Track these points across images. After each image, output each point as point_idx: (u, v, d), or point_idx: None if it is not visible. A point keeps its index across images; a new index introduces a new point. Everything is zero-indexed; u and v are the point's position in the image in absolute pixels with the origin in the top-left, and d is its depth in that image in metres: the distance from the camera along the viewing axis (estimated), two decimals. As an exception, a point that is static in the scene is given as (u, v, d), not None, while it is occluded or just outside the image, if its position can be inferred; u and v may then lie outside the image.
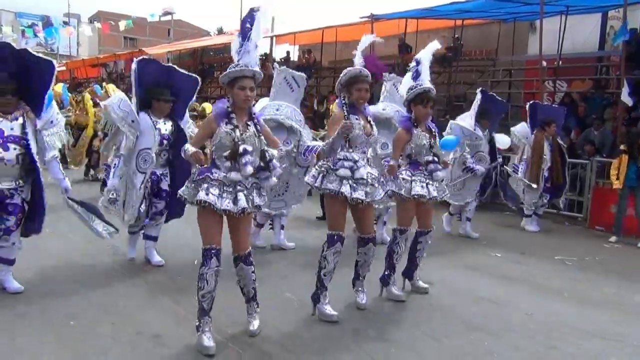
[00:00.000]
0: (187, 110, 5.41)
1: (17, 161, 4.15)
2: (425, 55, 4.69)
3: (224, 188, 3.45)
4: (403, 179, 4.50)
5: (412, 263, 4.82)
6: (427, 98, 4.52)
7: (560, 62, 13.58)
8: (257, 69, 3.56)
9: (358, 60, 4.21)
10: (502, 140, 7.37)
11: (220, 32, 41.71)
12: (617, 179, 7.50)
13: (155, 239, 5.35)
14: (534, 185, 7.74)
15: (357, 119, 4.05)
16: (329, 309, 4.09)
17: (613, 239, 7.42)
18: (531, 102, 8.52)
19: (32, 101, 4.27)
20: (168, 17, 35.74)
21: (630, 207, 7.64)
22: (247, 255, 3.66)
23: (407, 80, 4.74)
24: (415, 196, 4.43)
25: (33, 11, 44.14)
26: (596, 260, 6.43)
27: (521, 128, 8.15)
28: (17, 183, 4.22)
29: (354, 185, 3.96)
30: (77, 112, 10.34)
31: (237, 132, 3.48)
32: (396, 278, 4.71)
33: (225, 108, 3.56)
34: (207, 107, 10.94)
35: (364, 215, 4.20)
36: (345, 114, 4.05)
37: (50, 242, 5.59)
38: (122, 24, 27.94)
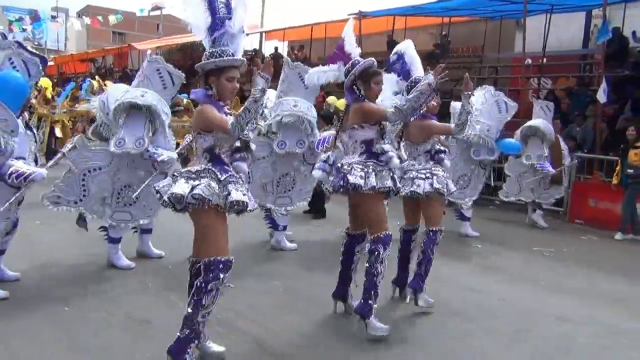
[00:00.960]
0: None
1: None
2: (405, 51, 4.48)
3: (241, 182, 3.21)
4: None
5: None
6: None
7: (545, 60, 13.85)
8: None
9: (349, 46, 3.95)
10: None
11: (210, 27, 41.53)
12: (617, 175, 7.71)
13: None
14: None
15: None
16: (380, 324, 3.74)
17: (619, 235, 7.56)
18: (535, 99, 8.62)
19: None
20: (158, 12, 35.51)
21: (606, 201, 7.91)
22: None
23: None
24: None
25: (20, 5, 43.80)
26: (572, 252, 6.66)
27: (544, 124, 7.96)
28: None
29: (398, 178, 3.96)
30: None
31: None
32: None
33: (215, 99, 3.21)
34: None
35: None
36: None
37: (42, 234, 5.72)
38: (112, 19, 27.88)
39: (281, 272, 5.22)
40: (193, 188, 3.02)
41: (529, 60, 13.81)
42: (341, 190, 3.79)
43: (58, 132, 10.47)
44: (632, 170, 7.59)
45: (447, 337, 3.88)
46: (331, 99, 9.75)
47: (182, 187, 3.03)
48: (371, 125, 3.81)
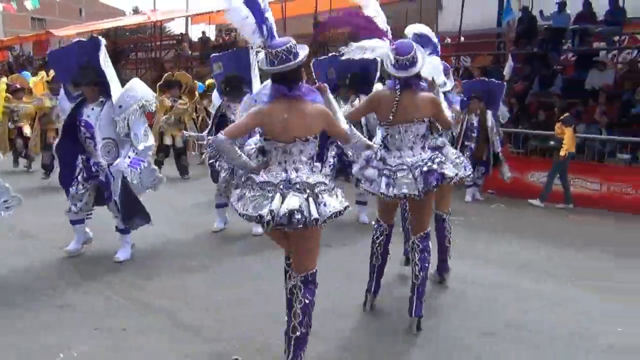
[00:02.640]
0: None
1: None
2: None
3: None
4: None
5: None
6: None
7: (463, 39, 14.43)
8: None
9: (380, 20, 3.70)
10: None
11: (136, 11, 40.37)
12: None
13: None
14: None
15: None
16: None
17: (536, 201, 8.11)
18: (465, 81, 8.63)
19: None
20: (79, -4, 34.12)
21: (516, 172, 8.47)
22: None
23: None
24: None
25: None
26: (480, 220, 7.16)
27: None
28: None
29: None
30: None
31: None
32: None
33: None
34: (186, 78, 10.17)
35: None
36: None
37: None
38: (28, 4, 26.50)
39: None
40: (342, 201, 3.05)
41: (449, 40, 14.38)
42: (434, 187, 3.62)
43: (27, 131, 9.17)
44: (554, 142, 8.12)
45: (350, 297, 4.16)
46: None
47: (333, 204, 2.97)
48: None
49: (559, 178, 8.08)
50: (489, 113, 8.05)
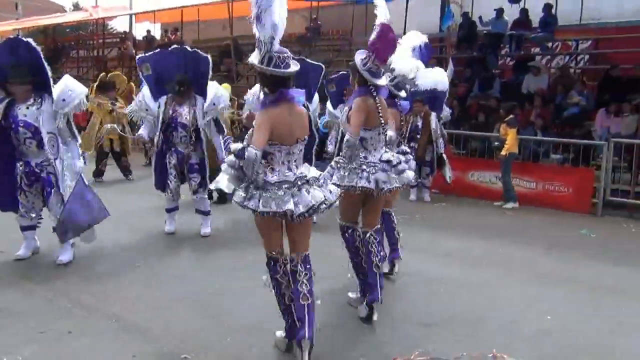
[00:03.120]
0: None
1: None
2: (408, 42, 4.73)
3: None
4: None
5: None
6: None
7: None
8: None
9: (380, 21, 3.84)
10: None
11: (76, 7, 38.98)
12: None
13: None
14: None
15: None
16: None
17: (510, 205, 8.25)
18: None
19: None
20: (15, -10, 32.63)
21: (457, 171, 8.79)
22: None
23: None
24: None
25: None
26: (422, 217, 7.43)
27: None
28: None
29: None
30: None
31: None
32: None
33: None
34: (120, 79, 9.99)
35: None
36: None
37: None
38: (-43, -5, 25.25)
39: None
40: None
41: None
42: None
43: None
44: (497, 143, 8.44)
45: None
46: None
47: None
48: None
49: (501, 177, 8.42)
50: (433, 115, 8.29)
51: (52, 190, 4.79)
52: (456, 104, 11.09)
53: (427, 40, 5.05)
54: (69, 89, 4.85)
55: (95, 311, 3.95)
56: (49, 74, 4.77)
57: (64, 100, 4.79)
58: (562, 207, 8.14)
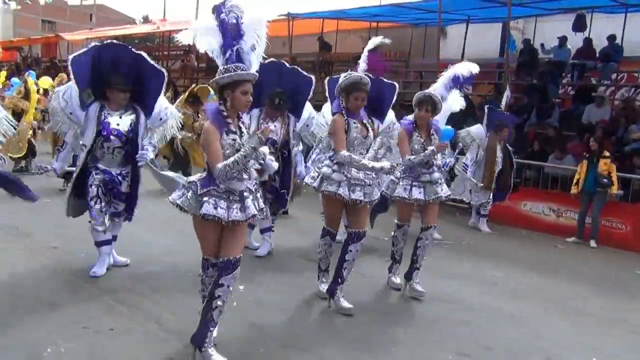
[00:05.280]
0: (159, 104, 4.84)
1: None
2: (457, 70, 5.07)
3: (231, 198, 3.32)
4: (391, 180, 4.87)
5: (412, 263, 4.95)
6: (424, 102, 4.73)
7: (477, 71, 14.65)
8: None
9: (363, 59, 4.53)
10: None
11: (146, 20, 40.86)
12: (577, 184, 7.93)
13: (114, 238, 5.00)
14: (480, 185, 8.07)
15: (354, 122, 4.26)
16: (345, 303, 4.35)
17: (572, 239, 7.97)
18: (488, 106, 8.84)
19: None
20: (91, 1, 34.55)
21: (511, 201, 8.57)
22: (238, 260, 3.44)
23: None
24: (398, 198, 4.81)
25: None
26: (470, 244, 7.28)
27: (477, 129, 8.37)
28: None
29: (352, 186, 4.24)
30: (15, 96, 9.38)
31: (238, 141, 3.33)
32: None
33: (223, 116, 3.32)
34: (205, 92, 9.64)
35: (360, 213, 4.41)
36: (345, 118, 4.24)
37: None
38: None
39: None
40: (179, 197, 3.35)
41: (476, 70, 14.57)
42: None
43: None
44: (606, 180, 7.68)
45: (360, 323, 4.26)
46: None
47: (175, 195, 3.39)
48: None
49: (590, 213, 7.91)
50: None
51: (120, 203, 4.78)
52: (512, 132, 10.84)
53: (475, 72, 5.12)
54: (167, 107, 4.87)
55: (137, 311, 4.07)
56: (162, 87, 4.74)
57: (161, 119, 4.80)
58: (619, 245, 7.80)
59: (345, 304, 4.35)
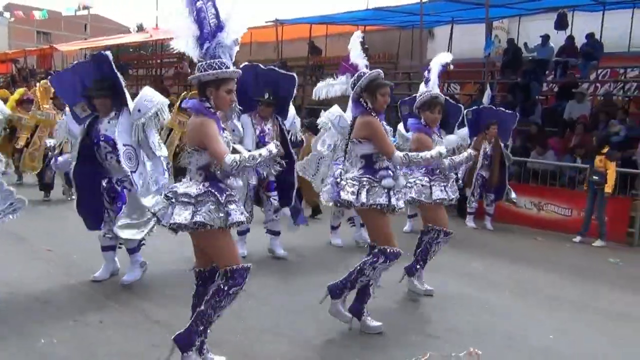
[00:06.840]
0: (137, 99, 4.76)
1: None
2: (435, 63, 4.85)
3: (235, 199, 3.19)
4: (422, 185, 4.69)
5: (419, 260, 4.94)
6: (435, 104, 4.61)
7: (452, 67, 14.93)
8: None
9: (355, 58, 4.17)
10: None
11: (140, 28, 41.15)
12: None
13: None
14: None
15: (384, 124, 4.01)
16: (374, 322, 4.08)
17: (577, 238, 7.89)
18: (474, 108, 8.87)
19: None
20: (85, 12, 34.83)
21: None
22: None
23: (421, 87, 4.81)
24: (438, 200, 4.69)
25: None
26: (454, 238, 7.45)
27: (462, 132, 8.19)
28: None
29: (397, 194, 3.93)
30: None
31: (229, 138, 3.21)
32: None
33: (212, 112, 3.14)
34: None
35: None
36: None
37: None
38: (37, 14, 27.36)
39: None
40: (194, 214, 3.01)
41: (452, 67, 14.85)
42: (338, 204, 4.01)
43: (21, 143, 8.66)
44: (596, 177, 7.65)
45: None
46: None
47: (183, 216, 3.01)
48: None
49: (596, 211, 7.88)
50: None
51: (123, 207, 4.67)
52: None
53: (448, 60, 5.05)
54: (145, 99, 4.67)
55: (126, 305, 4.33)
56: (124, 87, 4.71)
57: (139, 110, 4.60)
58: (596, 235, 8.03)
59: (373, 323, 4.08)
